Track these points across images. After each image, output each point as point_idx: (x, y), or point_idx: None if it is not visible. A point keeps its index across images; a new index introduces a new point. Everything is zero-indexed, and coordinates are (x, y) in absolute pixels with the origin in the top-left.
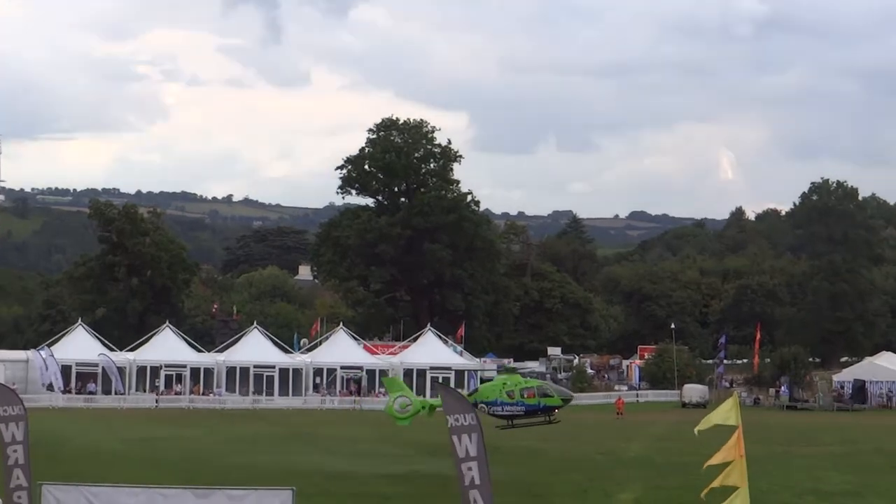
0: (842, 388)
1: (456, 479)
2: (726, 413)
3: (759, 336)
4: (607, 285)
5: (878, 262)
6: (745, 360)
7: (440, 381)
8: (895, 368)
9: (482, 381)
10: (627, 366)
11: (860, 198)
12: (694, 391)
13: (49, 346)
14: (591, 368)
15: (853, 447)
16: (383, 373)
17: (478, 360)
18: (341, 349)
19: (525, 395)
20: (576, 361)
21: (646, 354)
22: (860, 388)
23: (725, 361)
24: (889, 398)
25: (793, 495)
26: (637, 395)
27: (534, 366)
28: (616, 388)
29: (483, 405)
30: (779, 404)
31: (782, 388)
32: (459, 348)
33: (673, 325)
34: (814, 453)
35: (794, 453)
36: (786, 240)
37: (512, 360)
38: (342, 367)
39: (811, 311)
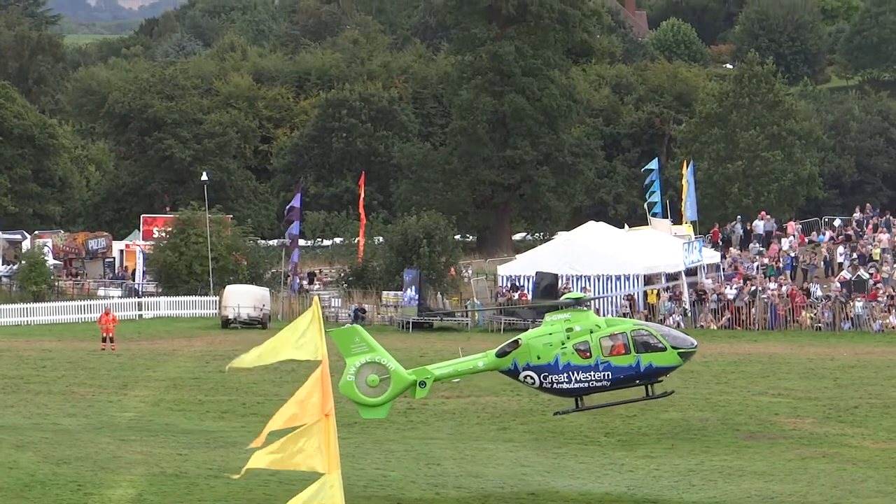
0: (513, 289)
1: None
2: (298, 337)
3: (363, 193)
4: (84, 103)
5: (584, 57)
6: (338, 241)
7: None
8: (613, 253)
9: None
10: (123, 250)
11: None
12: (243, 297)
13: None
14: (55, 256)
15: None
16: None
17: None
18: None
19: (611, 351)
20: (26, 244)
21: (154, 230)
22: (548, 288)
23: (303, 242)
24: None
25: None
26: (140, 305)
27: None
28: (102, 290)
29: (530, 373)
30: (401, 319)
31: (407, 291)
32: None
33: (205, 176)
34: (456, 409)
35: (426, 411)
36: (412, 17)
37: None
38: None
39: (459, 148)
